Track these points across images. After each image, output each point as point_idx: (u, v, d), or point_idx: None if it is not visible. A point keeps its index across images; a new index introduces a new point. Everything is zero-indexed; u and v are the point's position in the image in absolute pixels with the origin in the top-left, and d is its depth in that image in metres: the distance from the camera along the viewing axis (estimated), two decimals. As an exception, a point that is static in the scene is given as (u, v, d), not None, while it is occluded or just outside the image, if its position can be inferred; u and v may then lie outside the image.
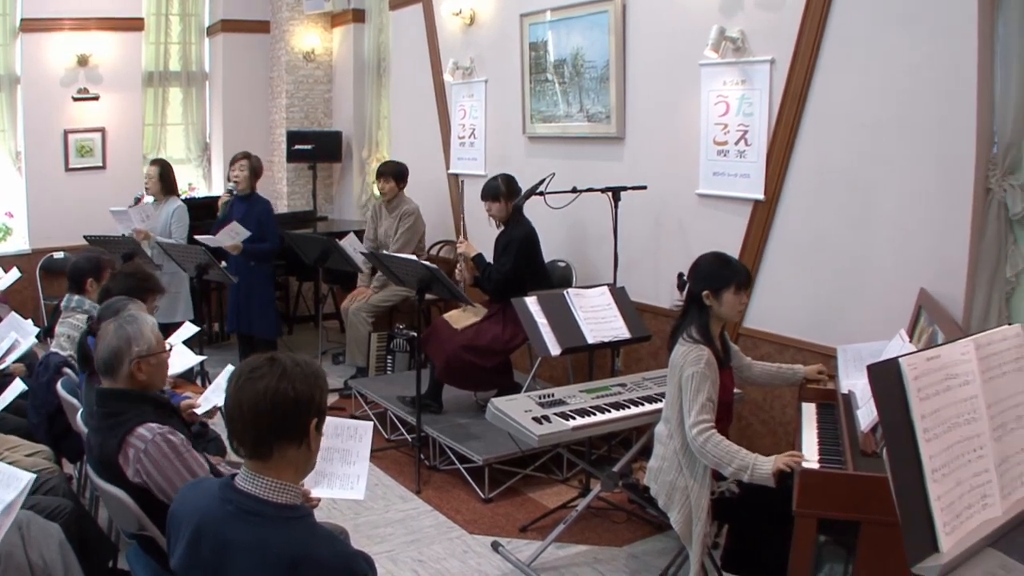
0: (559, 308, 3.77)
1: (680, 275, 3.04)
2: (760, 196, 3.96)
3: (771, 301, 3.97)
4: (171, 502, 1.88)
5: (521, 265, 4.49)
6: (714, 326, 2.94)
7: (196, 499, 1.78)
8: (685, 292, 2.98)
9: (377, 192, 6.38)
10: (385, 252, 4.87)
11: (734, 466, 2.68)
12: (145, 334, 2.40)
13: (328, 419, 2.11)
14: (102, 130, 6.93)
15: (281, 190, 7.74)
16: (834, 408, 2.95)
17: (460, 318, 4.61)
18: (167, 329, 3.86)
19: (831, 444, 2.62)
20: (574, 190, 4.31)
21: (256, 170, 5.59)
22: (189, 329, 3.76)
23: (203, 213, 6.11)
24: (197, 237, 5.36)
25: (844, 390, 2.84)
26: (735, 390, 3.15)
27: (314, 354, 5.76)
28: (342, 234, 5.52)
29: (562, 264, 5.06)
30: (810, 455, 2.52)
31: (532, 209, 4.64)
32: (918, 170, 3.34)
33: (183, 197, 6.16)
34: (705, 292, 2.91)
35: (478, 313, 4.61)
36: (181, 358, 3.47)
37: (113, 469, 2.23)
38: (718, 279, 2.90)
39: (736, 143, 4.04)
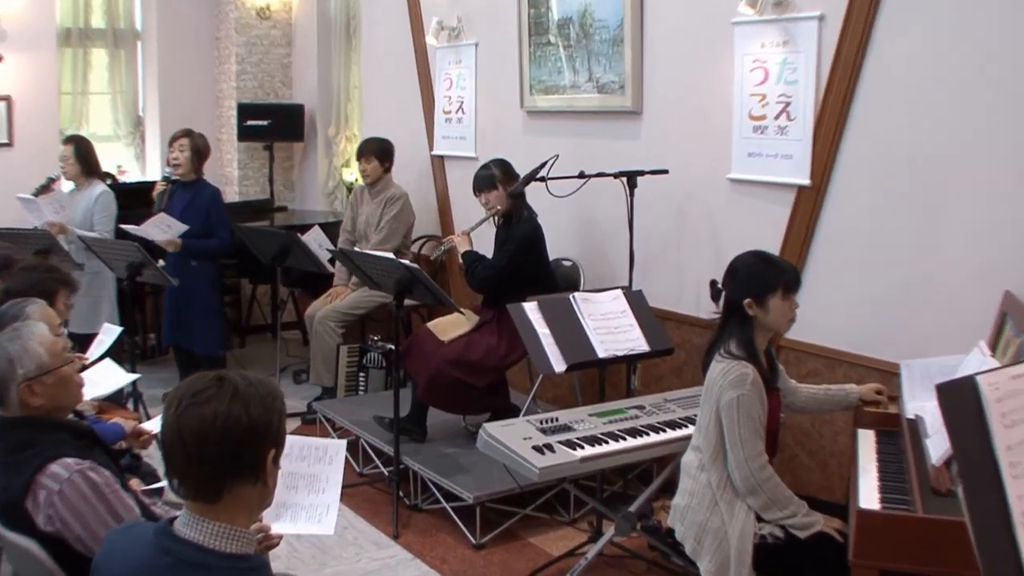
0: (564, 316, 3.80)
1: (713, 282, 3.06)
2: (805, 181, 3.97)
3: (819, 308, 3.96)
4: (93, 554, 1.86)
5: (518, 264, 4.55)
6: (759, 340, 2.96)
7: (126, 549, 1.77)
8: (722, 301, 3.00)
9: (348, 178, 6.42)
10: (357, 249, 4.86)
11: (789, 510, 2.73)
12: (32, 350, 2.33)
13: (292, 439, 2.09)
14: (7, 99, 6.83)
15: (231, 175, 7.77)
16: (897, 436, 2.97)
17: (447, 328, 4.64)
18: (87, 341, 3.90)
19: (894, 480, 2.63)
20: (581, 175, 4.33)
21: (200, 151, 5.59)
22: (110, 333, 3.72)
23: (134, 201, 6.10)
24: (123, 226, 5.35)
25: (910, 414, 2.85)
26: (781, 416, 3.17)
27: (271, 371, 5.79)
28: (305, 227, 5.56)
29: (567, 263, 5.09)
30: (869, 493, 2.53)
31: (532, 198, 4.67)
32: (1001, 149, 3.34)
33: (110, 182, 6.15)
34: (747, 300, 2.92)
35: (469, 321, 4.64)
36: (108, 376, 3.43)
37: (19, 515, 2.18)
38: (762, 283, 2.92)
39: (776, 117, 4.05)
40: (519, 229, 4.58)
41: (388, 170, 5.75)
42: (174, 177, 5.59)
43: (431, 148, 6.18)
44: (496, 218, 4.71)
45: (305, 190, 7.82)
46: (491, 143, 5.64)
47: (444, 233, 6.02)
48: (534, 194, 4.61)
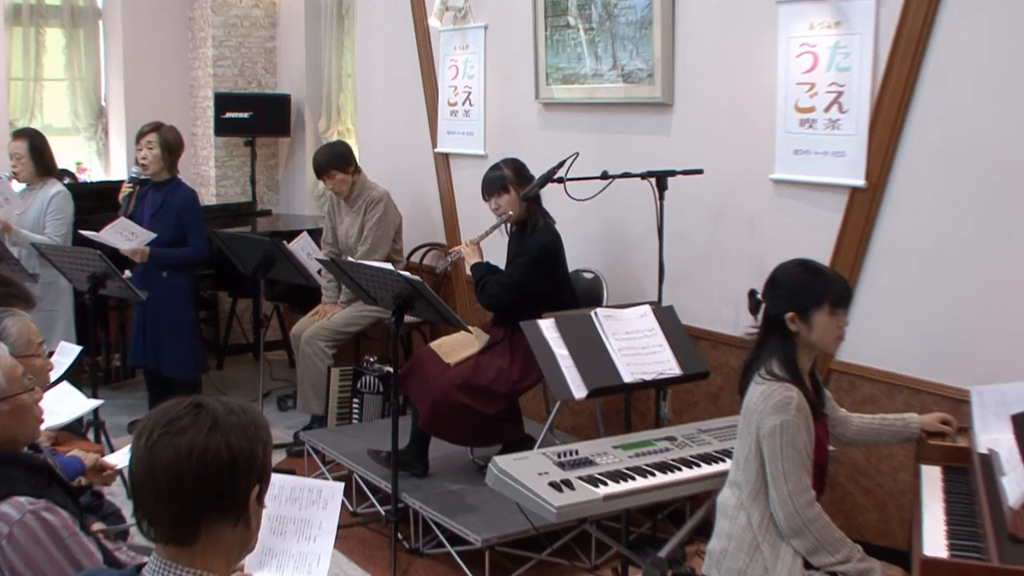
0: (585, 335, 3.81)
1: (752, 292, 3.07)
2: (860, 182, 3.96)
3: (875, 326, 3.96)
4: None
5: (533, 277, 4.59)
6: (803, 359, 2.96)
7: (87, 601, 1.77)
8: (761, 315, 3.01)
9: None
10: (350, 259, 4.89)
11: (842, 554, 2.71)
12: None
13: (282, 479, 2.08)
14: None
15: (207, 174, 7.82)
16: (968, 473, 2.95)
17: (452, 348, 4.66)
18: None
19: (965, 524, 2.62)
20: (605, 176, 4.35)
21: (172, 147, 5.60)
22: (67, 353, 3.71)
23: (97, 204, 6.12)
24: (83, 232, 5.35)
25: (982, 448, 2.84)
26: (829, 447, 3.15)
27: (253, 397, 5.83)
28: (292, 234, 5.59)
29: (589, 275, 5.12)
30: (935, 538, 2.51)
31: (549, 202, 4.71)
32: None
33: (68, 181, 6.20)
34: (789, 314, 2.93)
35: (478, 341, 4.66)
36: (66, 403, 3.41)
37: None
38: (806, 295, 2.93)
39: (826, 109, 4.04)
40: (535, 238, 4.61)
41: (356, 173, 5.76)
42: (143, 177, 5.58)
43: (434, 145, 6.20)
44: (508, 225, 4.73)
45: (292, 192, 7.87)
46: (502, 139, 5.66)
47: (449, 241, 6.05)
48: (551, 197, 4.63)
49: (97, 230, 5.28)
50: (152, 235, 5.32)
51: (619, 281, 5.02)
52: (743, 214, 4.46)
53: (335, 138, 7.37)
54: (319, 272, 5.39)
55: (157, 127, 5.61)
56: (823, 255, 3.98)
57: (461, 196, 6.06)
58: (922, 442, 3.20)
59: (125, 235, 5.28)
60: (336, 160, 5.67)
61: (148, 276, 5.47)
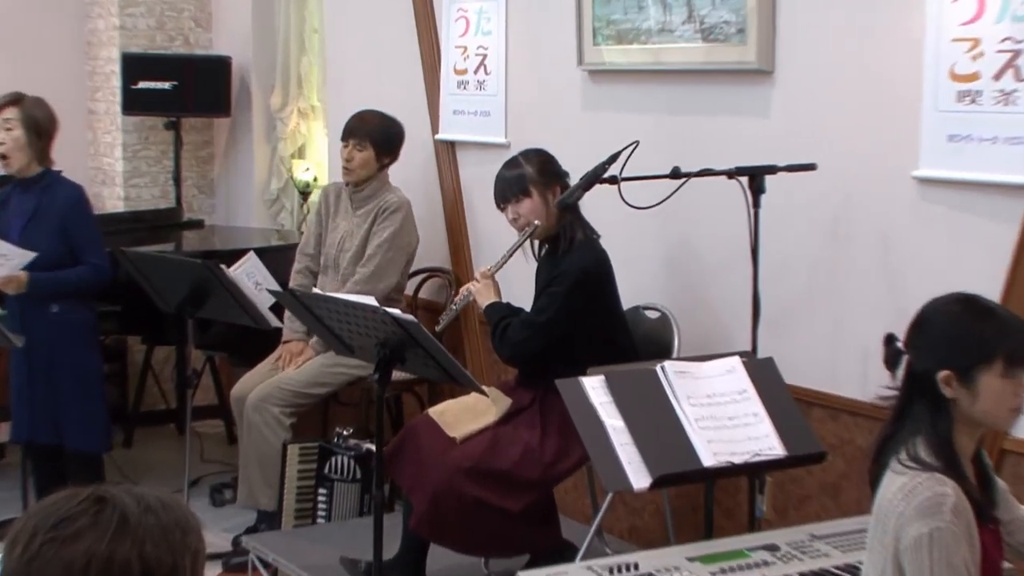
0: (648, 399, 3.82)
1: (890, 339, 3.04)
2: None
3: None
4: None
5: (573, 317, 4.60)
6: (962, 439, 2.93)
7: None
8: (902, 372, 2.99)
9: (304, 175, 6.64)
10: (319, 292, 4.94)
11: None
12: None
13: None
14: None
15: (111, 169, 7.91)
16: None
17: (460, 417, 4.68)
18: None
19: None
20: (676, 174, 4.37)
21: (40, 127, 5.58)
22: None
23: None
24: None
25: None
26: (1004, 564, 3.10)
27: (176, 487, 5.71)
28: (234, 255, 5.66)
29: (653, 314, 5.12)
30: None
31: (596, 211, 4.71)
32: None
33: None
34: (943, 373, 2.90)
35: (495, 408, 4.68)
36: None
37: None
38: (969, 348, 2.90)
39: (997, 76, 3.99)
40: (572, 259, 4.66)
41: (386, 167, 5.93)
42: (3, 173, 5.67)
43: (435, 130, 6.23)
44: (534, 245, 4.80)
45: (233, 195, 7.97)
46: (531, 122, 5.67)
47: (456, 265, 6.15)
48: (597, 205, 4.65)
49: None
50: (30, 255, 5.35)
51: (695, 322, 5.02)
52: (874, 227, 4.44)
53: (295, 120, 7.45)
54: (273, 308, 5.40)
55: (16, 99, 5.58)
56: (992, 288, 3.91)
57: (473, 203, 6.12)
58: None
59: None
60: (381, 133, 5.86)
61: (31, 312, 5.51)
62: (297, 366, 5.72)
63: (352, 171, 5.88)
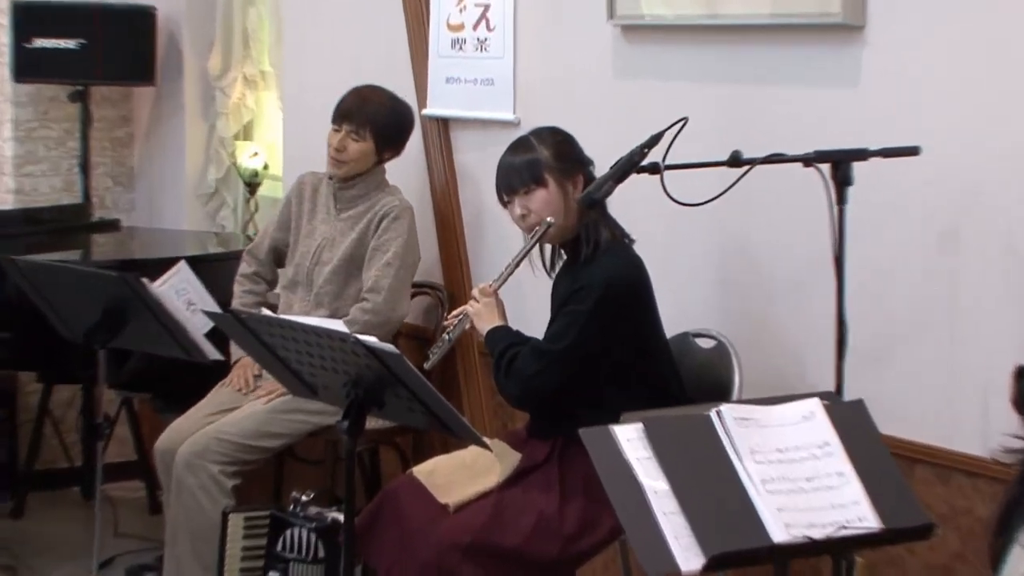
0: (699, 454, 3.60)
1: (1021, 372, 3.00)
2: None
3: None
4: None
5: (599, 341, 4.52)
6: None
7: None
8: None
9: (250, 163, 6.79)
10: (269, 314, 4.92)
11: None
12: None
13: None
14: None
15: (-2, 154, 7.79)
16: None
17: (454, 478, 4.69)
18: None
19: None
20: (736, 161, 4.25)
21: None
22: None
23: None
24: None
25: None
26: None
27: (83, 568, 5.74)
28: (160, 265, 5.67)
29: (707, 343, 5.01)
30: None
31: (634, 209, 4.64)
32: None
33: None
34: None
35: (500, 465, 4.67)
36: None
37: None
38: None
39: None
40: (597, 270, 4.55)
41: (384, 161, 5.88)
42: None
43: (421, 104, 6.17)
44: (548, 251, 4.76)
45: (158, 187, 7.97)
46: (547, 93, 5.61)
47: (449, 280, 6.08)
48: (633, 201, 4.58)
49: None
50: None
51: (761, 354, 4.92)
52: (1000, 230, 4.31)
53: (239, 90, 7.45)
54: (210, 336, 5.40)
55: None
56: None
57: (472, 198, 6.04)
58: None
59: None
60: (388, 119, 5.82)
61: None
62: (270, 397, 5.63)
63: (343, 163, 5.85)
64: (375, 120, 5.81)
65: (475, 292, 4.95)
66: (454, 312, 5.09)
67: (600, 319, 4.54)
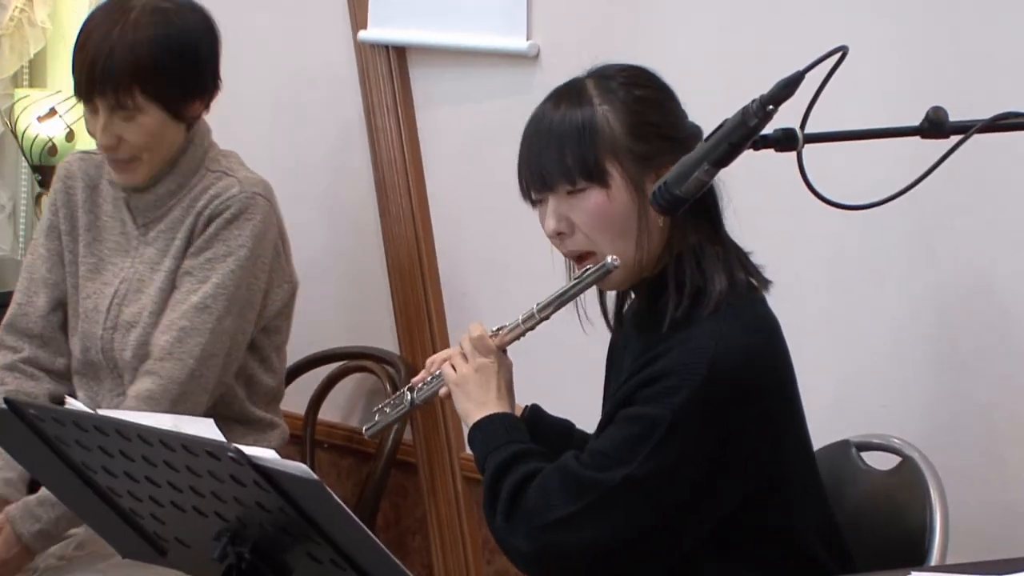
0: None
1: None
2: None
3: None
4: None
5: (691, 475, 3.57)
6: None
7: None
8: None
9: (55, 132, 6.27)
10: (78, 407, 4.08)
11: None
12: None
13: None
14: None
15: None
16: None
17: None
18: None
19: None
20: (934, 128, 3.37)
21: None
22: None
23: None
24: None
25: None
26: None
27: None
28: None
29: (886, 459, 4.25)
30: None
31: (752, 214, 3.82)
32: None
33: None
34: None
35: None
36: None
37: None
38: None
39: None
40: (697, 342, 3.41)
41: (192, 122, 4.50)
42: None
43: (358, 23, 5.19)
44: (605, 295, 3.80)
45: None
46: (594, 4, 4.66)
47: (402, 335, 5.21)
48: (753, 200, 3.81)
49: None
50: None
51: (981, 476, 4.09)
52: None
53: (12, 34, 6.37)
54: None
55: None
56: None
57: (450, 186, 5.03)
58: None
59: None
60: (166, 68, 4.44)
61: None
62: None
63: (132, 165, 4.40)
64: (142, 67, 4.26)
65: (464, 342, 3.63)
66: (422, 373, 3.83)
67: (693, 437, 3.27)
